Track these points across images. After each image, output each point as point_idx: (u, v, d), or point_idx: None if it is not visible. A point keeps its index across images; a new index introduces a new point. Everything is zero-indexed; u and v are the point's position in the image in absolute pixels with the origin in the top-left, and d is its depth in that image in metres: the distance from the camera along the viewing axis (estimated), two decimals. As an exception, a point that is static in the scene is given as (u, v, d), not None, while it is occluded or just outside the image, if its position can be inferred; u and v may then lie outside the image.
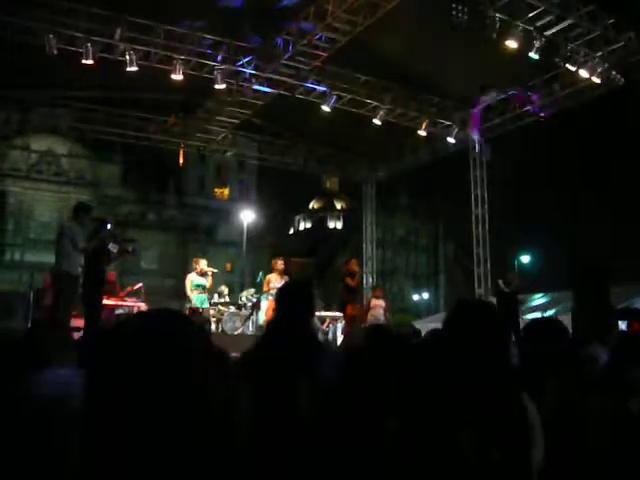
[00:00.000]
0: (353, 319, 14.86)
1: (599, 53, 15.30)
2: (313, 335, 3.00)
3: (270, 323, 4.47)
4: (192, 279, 14.94)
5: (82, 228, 10.05)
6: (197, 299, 14.83)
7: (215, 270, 15.65)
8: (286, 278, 13.96)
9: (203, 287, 14.88)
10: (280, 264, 14.58)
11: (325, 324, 16.58)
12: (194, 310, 14.39)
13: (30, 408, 1.86)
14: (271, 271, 14.80)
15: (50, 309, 10.54)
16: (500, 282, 13.89)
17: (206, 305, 15.17)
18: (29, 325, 13.03)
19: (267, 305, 14.13)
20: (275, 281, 14.05)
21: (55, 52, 14.74)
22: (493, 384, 2.27)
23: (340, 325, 15.75)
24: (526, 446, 2.25)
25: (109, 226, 10.91)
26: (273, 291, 13.56)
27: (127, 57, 15.50)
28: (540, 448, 2.34)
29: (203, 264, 15.07)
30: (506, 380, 2.34)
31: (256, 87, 18.11)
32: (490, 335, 2.37)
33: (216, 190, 69.54)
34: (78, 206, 10.60)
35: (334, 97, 17.92)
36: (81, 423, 1.40)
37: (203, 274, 14.92)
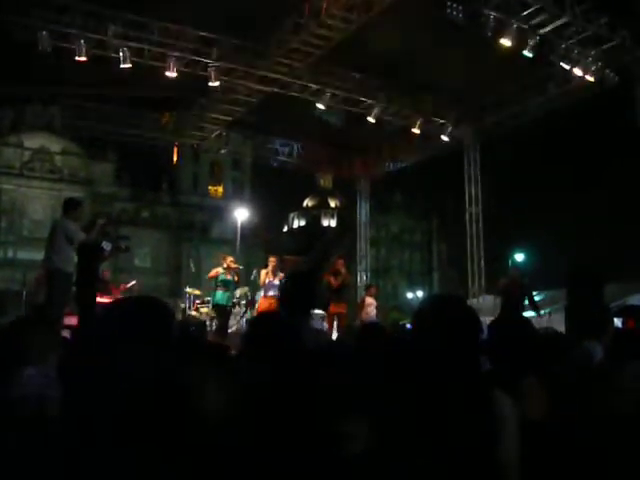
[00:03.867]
0: (337, 317, 14.93)
1: (593, 52, 15.31)
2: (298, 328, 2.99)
3: (260, 315, 4.52)
4: (219, 271, 14.54)
5: (75, 223, 9.97)
6: (220, 296, 14.49)
7: (240, 266, 15.34)
8: (281, 276, 14.02)
9: (228, 284, 14.48)
10: (271, 262, 14.62)
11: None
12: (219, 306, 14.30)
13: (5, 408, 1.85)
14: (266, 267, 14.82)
15: (42, 306, 10.48)
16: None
17: (229, 302, 14.74)
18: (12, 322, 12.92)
19: (259, 302, 14.24)
20: (262, 277, 14.23)
21: (49, 49, 14.68)
22: (458, 382, 2.25)
23: (335, 323, 15.72)
24: (492, 442, 2.22)
25: (100, 222, 10.85)
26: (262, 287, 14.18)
27: (121, 54, 15.44)
28: (511, 443, 2.31)
29: (230, 260, 14.73)
30: (472, 377, 2.32)
31: (250, 84, 18.09)
32: (455, 331, 2.34)
33: (210, 188, 69.43)
34: (67, 202, 10.48)
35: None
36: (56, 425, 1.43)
37: (229, 270, 14.55)
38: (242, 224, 46.12)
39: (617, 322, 5.91)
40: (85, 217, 10.74)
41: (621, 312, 5.91)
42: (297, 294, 4.43)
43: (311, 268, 51.64)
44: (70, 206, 10.21)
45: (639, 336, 4.30)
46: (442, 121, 20.39)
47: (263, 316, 4.22)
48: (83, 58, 15.05)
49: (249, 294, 16.62)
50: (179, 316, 16.76)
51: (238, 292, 17.17)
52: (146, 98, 19.60)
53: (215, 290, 14.53)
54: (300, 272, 6.43)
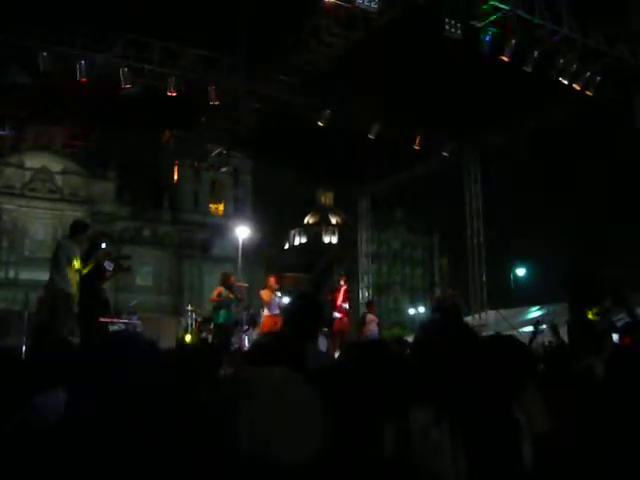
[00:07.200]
0: (340, 335, 14.95)
1: (592, 66, 15.35)
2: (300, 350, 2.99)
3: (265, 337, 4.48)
4: (221, 290, 14.47)
5: (79, 246, 10.00)
6: (223, 315, 14.48)
7: (245, 284, 15.32)
8: (278, 294, 14.16)
9: (230, 302, 14.37)
10: (272, 281, 14.59)
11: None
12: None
13: (31, 433, 1.85)
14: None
15: (46, 327, 10.47)
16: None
17: (231, 321, 14.70)
18: (27, 344, 12.92)
19: (263, 321, 14.20)
20: (266, 297, 14.15)
21: (48, 69, 14.71)
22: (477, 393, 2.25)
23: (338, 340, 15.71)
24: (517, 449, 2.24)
25: (103, 245, 10.88)
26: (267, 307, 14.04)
27: (121, 74, 15.49)
28: (528, 450, 2.33)
29: (233, 278, 14.66)
30: (490, 388, 2.32)
31: (251, 103, 18.15)
32: (457, 352, 2.34)
33: (211, 206, 69.56)
34: (75, 224, 10.54)
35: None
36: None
37: (232, 288, 14.49)
38: (243, 242, 46.14)
39: (615, 338, 5.97)
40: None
41: (618, 329, 5.97)
42: (306, 316, 4.37)
43: (315, 286, 51.61)
44: (77, 229, 10.24)
45: (636, 352, 4.32)
46: (442, 137, 20.42)
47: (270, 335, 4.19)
48: (84, 79, 15.08)
49: (251, 313, 16.59)
50: (180, 334, 16.75)
51: (240, 310, 17.15)
52: (146, 117, 19.63)
53: (218, 309, 14.52)
54: (309, 293, 6.42)
